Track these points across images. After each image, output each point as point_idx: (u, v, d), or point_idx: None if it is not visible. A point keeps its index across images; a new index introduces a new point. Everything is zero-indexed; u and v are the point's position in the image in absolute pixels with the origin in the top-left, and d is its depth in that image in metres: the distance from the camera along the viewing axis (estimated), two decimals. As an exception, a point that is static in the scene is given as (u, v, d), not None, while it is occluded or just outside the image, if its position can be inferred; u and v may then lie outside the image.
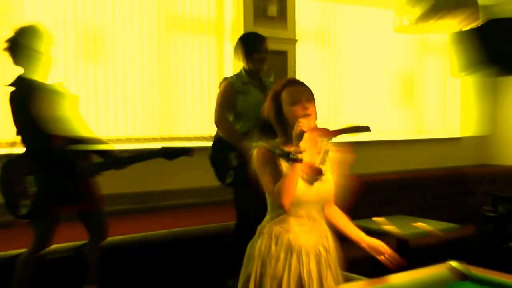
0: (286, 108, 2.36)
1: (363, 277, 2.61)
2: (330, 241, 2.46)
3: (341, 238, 2.51)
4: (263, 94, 3.61)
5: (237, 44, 3.86)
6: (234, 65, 4.27)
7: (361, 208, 4.25)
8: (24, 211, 3.03)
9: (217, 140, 3.82)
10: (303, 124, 2.23)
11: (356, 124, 2.33)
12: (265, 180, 2.35)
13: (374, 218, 4.20)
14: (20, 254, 3.18)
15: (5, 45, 3.12)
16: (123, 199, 4.13)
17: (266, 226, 2.43)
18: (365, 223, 3.96)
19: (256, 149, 2.39)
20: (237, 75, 3.81)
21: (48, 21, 4.09)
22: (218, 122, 3.78)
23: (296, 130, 2.21)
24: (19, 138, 3.18)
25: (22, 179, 3.04)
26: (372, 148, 5.55)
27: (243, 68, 3.79)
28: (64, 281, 3.48)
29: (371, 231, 3.80)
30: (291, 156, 2.15)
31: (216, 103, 3.80)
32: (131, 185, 3.93)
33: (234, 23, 4.78)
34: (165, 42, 4.60)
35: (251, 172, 2.46)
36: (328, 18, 5.61)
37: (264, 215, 2.79)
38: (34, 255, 3.18)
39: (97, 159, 3.33)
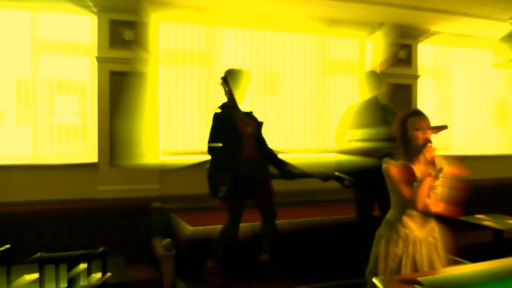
0: (410, 132, 2.61)
1: (467, 261, 2.85)
2: (436, 233, 2.72)
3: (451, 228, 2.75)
4: (380, 114, 4.02)
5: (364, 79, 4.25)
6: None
7: (465, 208, 4.11)
8: (220, 194, 3.53)
9: (338, 151, 4.19)
10: (431, 151, 2.53)
11: (441, 124, 2.64)
12: (401, 187, 2.62)
13: (476, 215, 4.74)
14: (221, 227, 3.73)
15: (220, 81, 3.67)
16: (289, 194, 4.53)
17: (389, 220, 2.75)
18: (468, 218, 4.55)
19: (392, 165, 2.66)
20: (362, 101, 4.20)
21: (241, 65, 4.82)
22: (336, 137, 4.16)
23: (427, 156, 2.55)
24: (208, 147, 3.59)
25: (222, 174, 3.52)
26: (474, 160, 5.61)
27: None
28: (245, 250, 3.92)
29: (474, 224, 4.49)
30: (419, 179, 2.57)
31: (339, 122, 4.17)
32: (293, 183, 4.01)
33: (372, 64, 5.46)
34: (322, 79, 5.47)
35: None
36: (442, 58, 6.29)
37: (372, 207, 3.74)
38: (228, 232, 3.71)
39: (272, 169, 3.83)
